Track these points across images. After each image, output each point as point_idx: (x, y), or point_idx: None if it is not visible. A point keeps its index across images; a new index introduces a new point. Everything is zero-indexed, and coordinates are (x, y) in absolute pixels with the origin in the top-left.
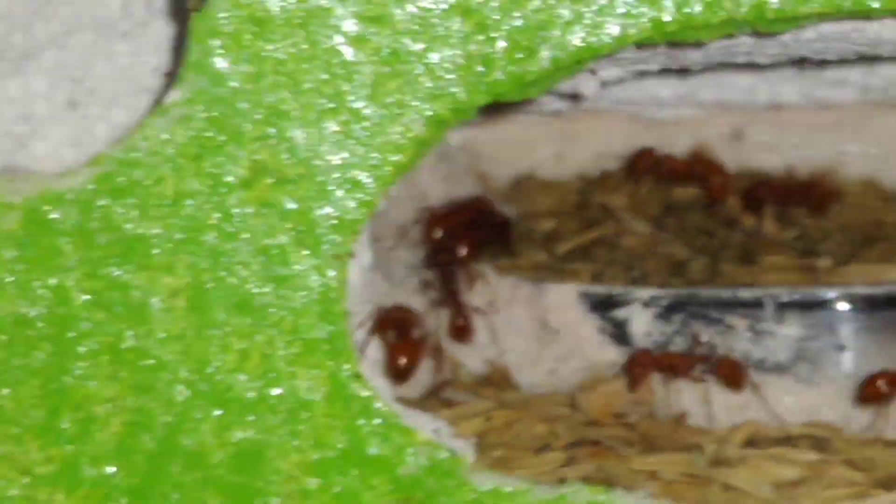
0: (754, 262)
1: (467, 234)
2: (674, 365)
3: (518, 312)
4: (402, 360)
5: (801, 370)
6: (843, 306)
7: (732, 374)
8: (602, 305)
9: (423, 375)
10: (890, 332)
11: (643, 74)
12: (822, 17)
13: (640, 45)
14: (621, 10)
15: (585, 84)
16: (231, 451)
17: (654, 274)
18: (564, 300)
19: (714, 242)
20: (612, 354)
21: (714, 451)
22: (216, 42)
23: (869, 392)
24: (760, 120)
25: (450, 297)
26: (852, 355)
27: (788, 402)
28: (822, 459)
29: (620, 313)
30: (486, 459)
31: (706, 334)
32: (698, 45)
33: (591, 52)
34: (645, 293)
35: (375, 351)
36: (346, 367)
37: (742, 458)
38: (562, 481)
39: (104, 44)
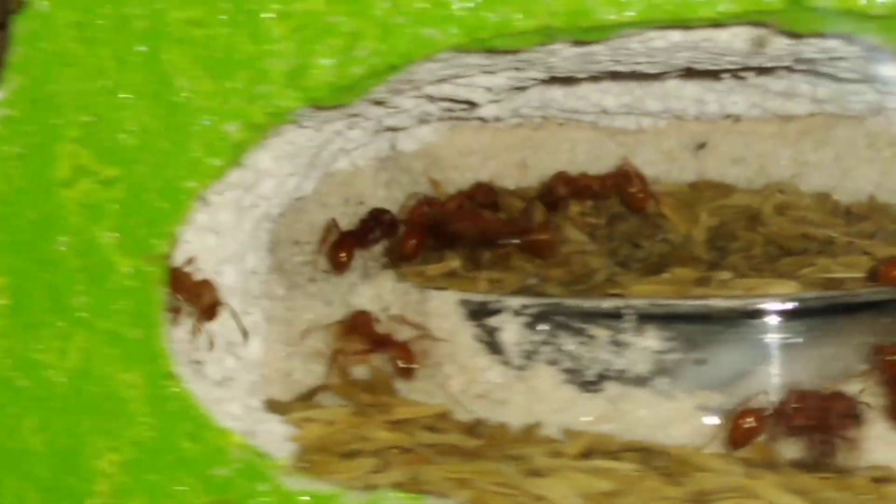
0: (661, 273)
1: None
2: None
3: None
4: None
5: (659, 383)
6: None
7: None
8: (478, 313)
9: (306, 377)
10: (749, 344)
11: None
12: (636, 25)
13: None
14: (436, 16)
15: (473, 93)
16: (49, 449)
17: (558, 283)
18: (444, 307)
19: (637, 253)
20: (485, 361)
21: (526, 462)
22: (38, 43)
23: (737, 436)
24: (723, 131)
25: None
26: (712, 369)
27: (642, 414)
28: (639, 472)
29: (493, 321)
30: (302, 463)
31: (570, 344)
32: (516, 52)
33: (406, 59)
34: (515, 302)
35: (196, 352)
36: (163, 368)
37: (556, 468)
38: (373, 487)
39: None
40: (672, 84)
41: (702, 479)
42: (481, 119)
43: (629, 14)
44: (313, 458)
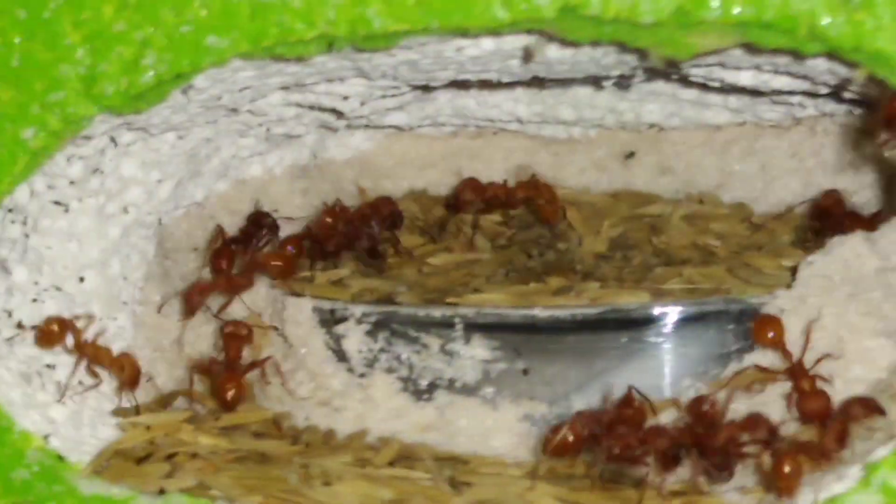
0: (541, 282)
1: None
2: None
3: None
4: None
5: (486, 392)
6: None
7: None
8: (327, 321)
9: (168, 382)
10: (575, 356)
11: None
12: (415, 34)
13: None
14: (220, 25)
15: (341, 103)
16: None
17: (428, 291)
18: (299, 314)
19: (529, 262)
20: (332, 369)
21: (307, 469)
22: None
23: (556, 448)
24: (651, 140)
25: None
26: (536, 379)
27: (464, 424)
28: (430, 481)
29: (340, 329)
30: (98, 467)
31: (405, 352)
32: (300, 59)
33: (193, 67)
34: (358, 310)
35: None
36: None
37: (344, 476)
38: (163, 491)
39: None
40: (583, 93)
41: (484, 488)
42: (396, 128)
43: (405, 23)
44: (110, 462)
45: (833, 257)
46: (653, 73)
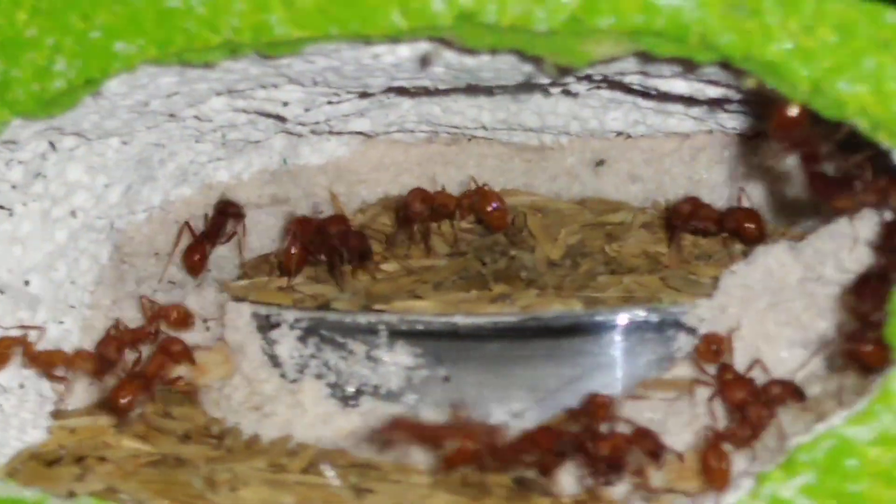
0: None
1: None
2: None
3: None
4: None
5: (409, 399)
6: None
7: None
8: (263, 326)
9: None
10: (496, 364)
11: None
12: (318, 41)
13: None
14: (128, 31)
15: (283, 109)
16: None
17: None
18: (238, 319)
19: (482, 269)
20: (266, 374)
21: (213, 474)
22: None
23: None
24: (622, 148)
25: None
26: (457, 386)
27: None
28: (336, 487)
29: (274, 334)
30: (12, 470)
31: (334, 358)
32: (207, 66)
33: (102, 73)
34: (290, 315)
35: None
36: None
37: (246, 481)
38: (72, 494)
39: None
40: (545, 101)
41: (383, 496)
42: (364, 134)
43: (306, 30)
44: (23, 465)
45: (756, 266)
46: (589, 81)
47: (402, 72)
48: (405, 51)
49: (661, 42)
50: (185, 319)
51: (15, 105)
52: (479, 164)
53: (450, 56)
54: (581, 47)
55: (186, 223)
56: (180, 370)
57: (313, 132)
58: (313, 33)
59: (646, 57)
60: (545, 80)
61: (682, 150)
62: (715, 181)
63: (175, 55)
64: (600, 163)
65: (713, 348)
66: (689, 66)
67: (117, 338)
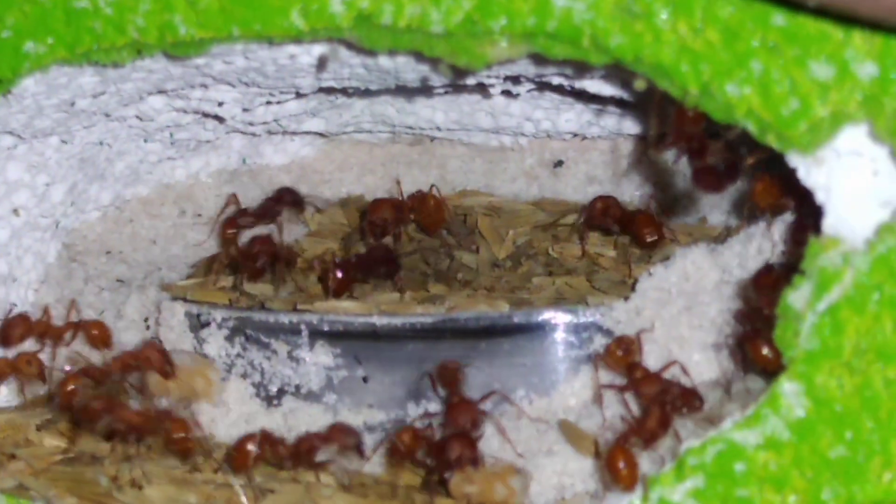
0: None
1: None
2: None
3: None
4: None
5: (328, 399)
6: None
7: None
8: (195, 325)
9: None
10: (413, 365)
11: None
12: (223, 41)
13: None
14: (35, 31)
15: (219, 109)
16: None
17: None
18: (172, 318)
19: (427, 269)
20: None
21: (118, 472)
22: None
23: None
24: (581, 149)
25: None
26: (375, 387)
27: (304, 431)
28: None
29: (203, 333)
30: None
31: (258, 358)
32: (116, 66)
33: (14, 72)
34: (218, 314)
35: None
36: None
37: (151, 479)
38: None
39: None
40: (499, 101)
41: (282, 495)
42: (320, 134)
43: (209, 30)
44: None
45: (674, 269)
46: (514, 82)
47: (326, 72)
48: (321, 51)
49: (554, 44)
50: (104, 339)
51: None
52: (441, 165)
53: (349, 56)
54: (478, 49)
55: (233, 195)
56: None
57: (270, 132)
58: (216, 34)
59: (539, 59)
60: (440, 82)
61: (638, 152)
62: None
63: (84, 55)
64: (559, 164)
65: (620, 352)
66: (583, 69)
67: (27, 323)
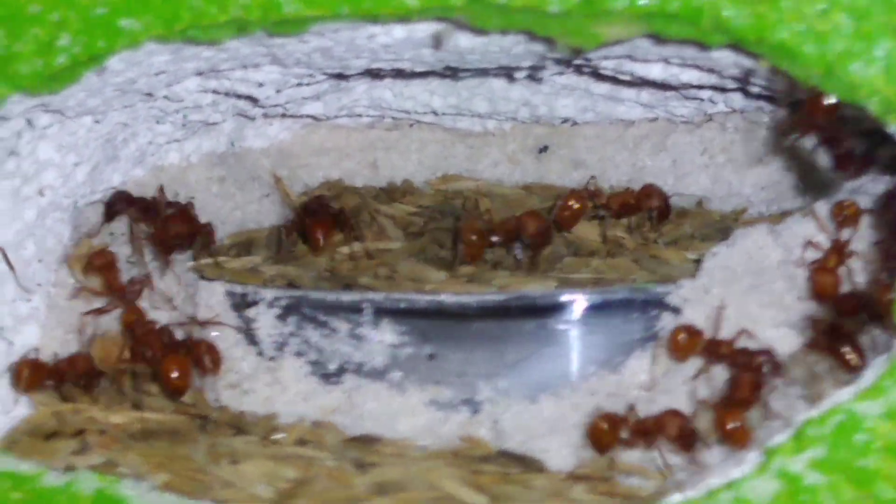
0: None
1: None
2: None
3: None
4: None
5: (393, 377)
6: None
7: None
8: (239, 304)
9: None
10: (481, 342)
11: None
12: (327, 20)
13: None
14: (134, 7)
15: (256, 90)
16: None
17: (338, 278)
18: (212, 298)
19: (441, 252)
20: (241, 352)
21: (215, 447)
22: None
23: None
24: (566, 135)
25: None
26: (442, 364)
27: (371, 407)
28: (334, 461)
29: (251, 313)
30: (7, 443)
31: (315, 336)
32: (213, 43)
33: (107, 49)
34: (269, 293)
35: None
36: None
37: (246, 454)
38: (72, 468)
39: None
40: (498, 85)
41: (387, 469)
42: (313, 118)
43: (317, 8)
44: (20, 438)
45: (737, 249)
46: (566, 66)
47: (388, 53)
48: (400, 32)
49: (672, 24)
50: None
51: (16, 80)
52: (420, 150)
53: (461, 36)
54: (593, 29)
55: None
56: None
57: (265, 115)
58: (323, 12)
59: (657, 39)
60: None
61: (624, 138)
62: (659, 168)
63: (180, 32)
64: (543, 149)
65: (684, 338)
66: (700, 48)
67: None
